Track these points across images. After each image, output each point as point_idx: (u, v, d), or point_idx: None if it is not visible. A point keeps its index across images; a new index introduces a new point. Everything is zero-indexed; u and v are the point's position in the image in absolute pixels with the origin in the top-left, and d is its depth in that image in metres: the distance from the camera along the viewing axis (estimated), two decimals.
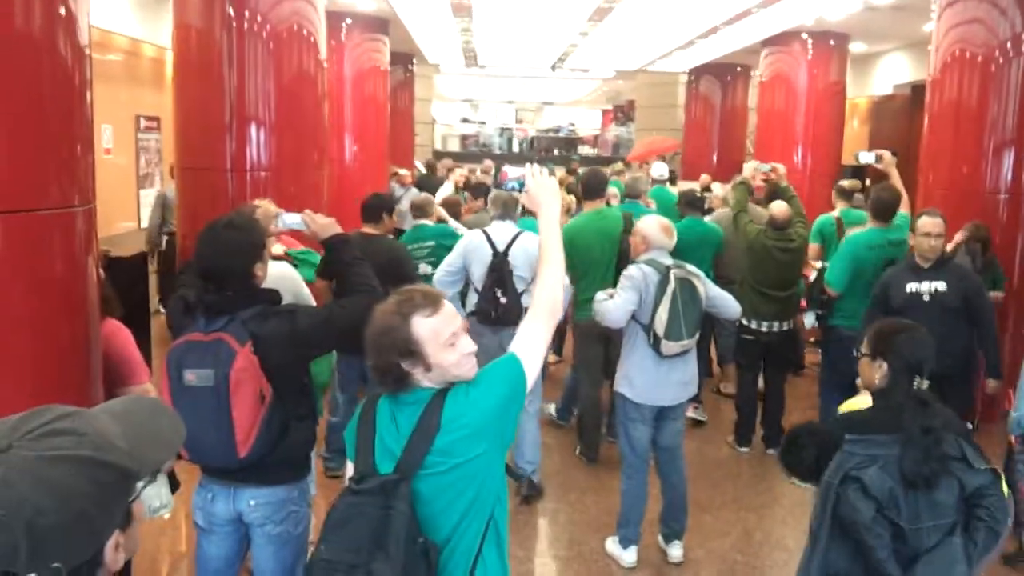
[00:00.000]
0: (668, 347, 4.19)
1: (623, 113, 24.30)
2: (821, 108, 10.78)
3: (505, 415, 2.15)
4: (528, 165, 2.41)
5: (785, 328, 5.93)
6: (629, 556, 4.47)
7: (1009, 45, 6.52)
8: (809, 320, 5.76)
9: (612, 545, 4.56)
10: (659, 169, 10.08)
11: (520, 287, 4.98)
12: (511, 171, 2.55)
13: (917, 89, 10.25)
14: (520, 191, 2.42)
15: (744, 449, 6.11)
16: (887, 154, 5.67)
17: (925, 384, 2.53)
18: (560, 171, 7.81)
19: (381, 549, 1.94)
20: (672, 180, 10.69)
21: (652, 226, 4.40)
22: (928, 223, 4.72)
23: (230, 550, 2.91)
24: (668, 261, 4.29)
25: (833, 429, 2.59)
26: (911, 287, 4.67)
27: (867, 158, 6.18)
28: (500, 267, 4.98)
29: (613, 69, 16.34)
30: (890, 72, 12.57)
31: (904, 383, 2.54)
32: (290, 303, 3.00)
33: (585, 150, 23.69)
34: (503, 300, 4.95)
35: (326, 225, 3.03)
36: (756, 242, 5.90)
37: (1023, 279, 6.56)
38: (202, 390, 2.61)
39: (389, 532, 1.95)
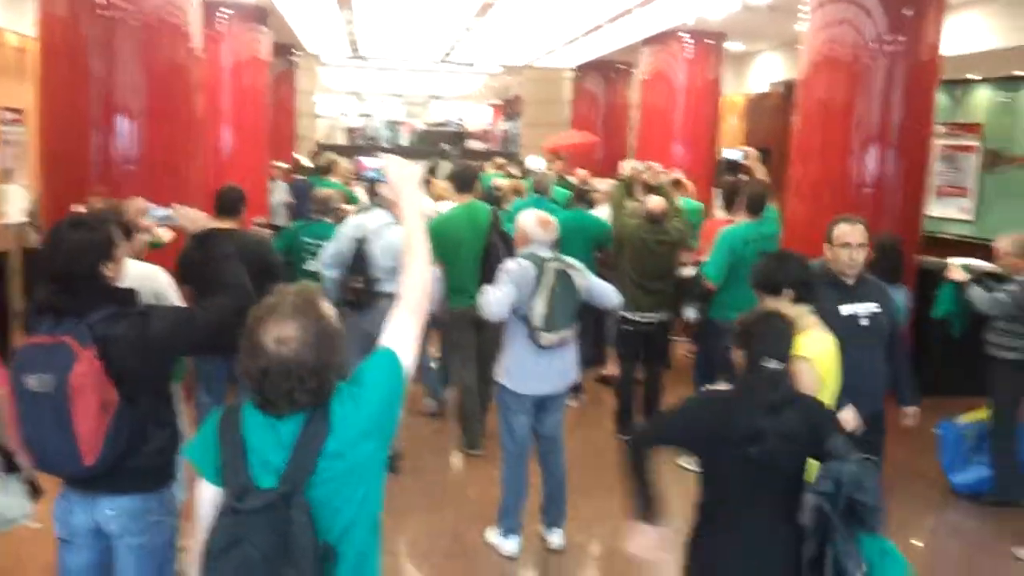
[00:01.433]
0: (546, 338, 4.25)
1: (511, 108, 24.44)
2: (699, 105, 11.11)
3: (391, 411, 2.13)
4: (386, 155, 2.39)
5: (663, 319, 6.09)
6: (510, 546, 4.50)
7: (874, 46, 6.84)
8: (690, 314, 5.94)
9: (493, 536, 4.59)
10: (535, 162, 10.21)
11: (380, 275, 5.17)
12: (368, 161, 2.52)
13: (791, 87, 10.66)
14: (380, 181, 2.39)
15: (625, 436, 6.22)
16: (752, 151, 5.88)
17: (780, 366, 2.65)
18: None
19: (290, 564, 1.89)
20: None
21: (529, 221, 4.45)
22: (848, 231, 3.90)
23: (92, 561, 2.76)
24: (546, 254, 4.34)
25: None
26: (846, 310, 3.89)
27: (734, 155, 6.41)
28: (359, 253, 5.22)
29: (500, 64, 16.40)
30: (766, 70, 13.05)
31: (758, 367, 2.66)
32: (146, 304, 2.84)
33: (474, 144, 23.71)
34: (359, 286, 5.21)
35: (196, 219, 2.93)
36: (634, 235, 6.06)
37: None
38: (43, 396, 2.48)
39: (295, 545, 1.90)
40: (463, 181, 6.05)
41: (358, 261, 5.26)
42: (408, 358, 2.17)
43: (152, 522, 2.74)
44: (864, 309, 3.90)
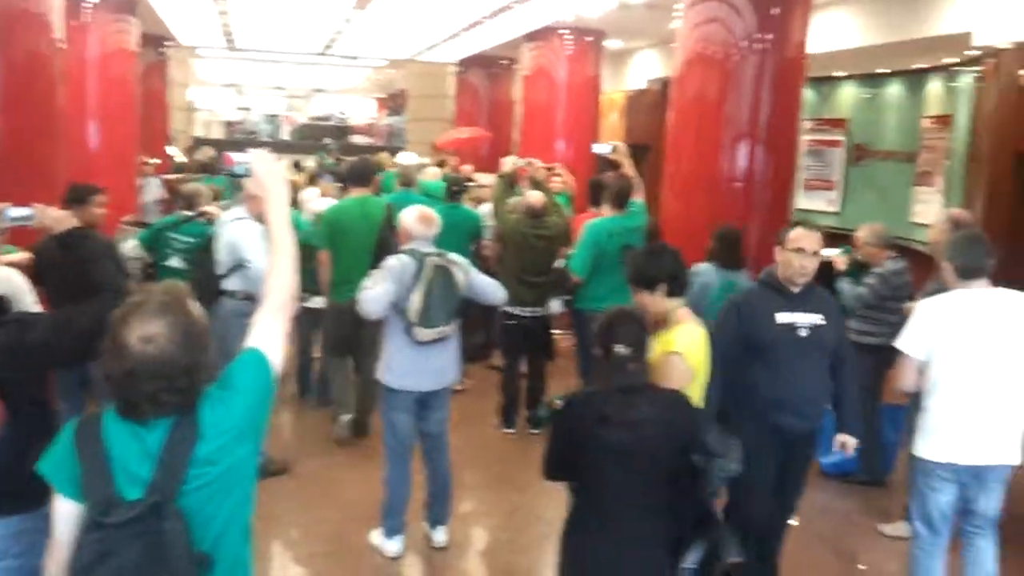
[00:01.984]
0: (422, 333, 4.21)
1: (395, 102, 24.24)
2: (580, 102, 11.25)
3: (261, 413, 2.09)
4: (254, 150, 2.32)
5: (545, 313, 6.14)
6: (393, 546, 4.46)
7: (744, 44, 7.06)
8: (556, 306, 6.01)
9: (377, 537, 4.53)
10: (406, 157, 10.20)
11: (219, 271, 5.10)
12: (235, 156, 2.44)
13: (667, 84, 10.91)
14: (246, 176, 2.32)
15: (510, 430, 6.28)
16: (620, 145, 6.01)
17: (627, 351, 2.73)
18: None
19: (167, 573, 1.82)
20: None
21: (410, 217, 4.41)
22: (803, 236, 3.67)
23: None
24: (427, 249, 4.31)
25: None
26: (784, 317, 3.68)
27: (602, 149, 6.51)
28: (203, 248, 5.21)
29: (383, 58, 16.23)
30: (644, 68, 13.32)
31: (610, 356, 2.74)
32: (18, 312, 2.69)
33: (358, 139, 23.39)
34: (195, 281, 5.10)
35: (60, 219, 2.78)
36: (514, 230, 6.09)
37: (757, 260, 7.15)
38: None
39: (170, 557, 1.83)
40: (360, 175, 6.06)
41: (201, 257, 5.20)
42: (276, 358, 2.12)
43: (32, 542, 2.55)
44: (805, 319, 3.67)
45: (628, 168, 6.00)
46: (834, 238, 8.65)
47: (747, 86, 7.12)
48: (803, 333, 3.64)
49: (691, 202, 7.19)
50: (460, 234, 6.64)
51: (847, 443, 3.83)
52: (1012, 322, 3.57)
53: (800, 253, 3.63)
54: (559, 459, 2.83)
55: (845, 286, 5.43)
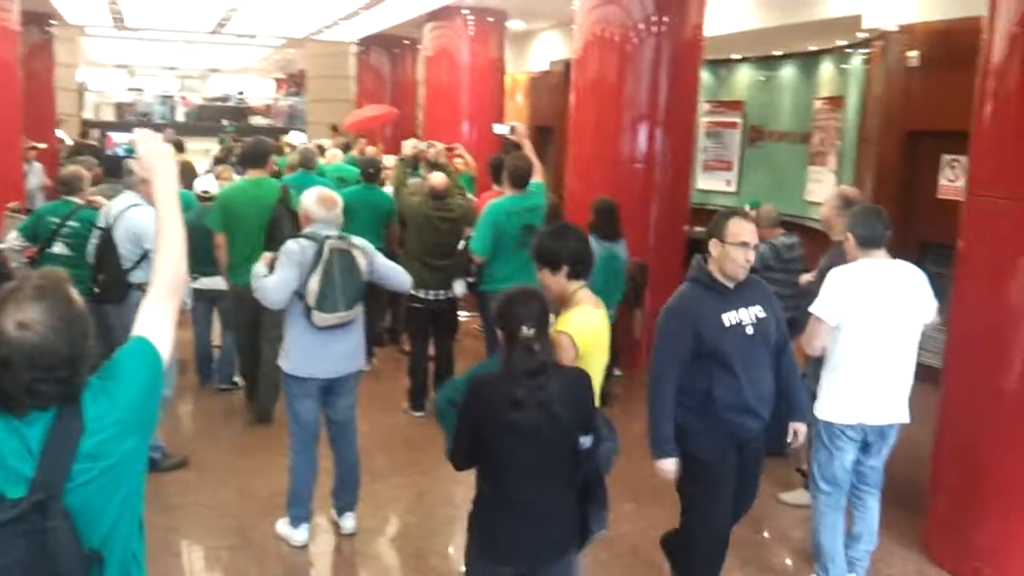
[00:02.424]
0: (321, 319, 4.13)
1: (295, 83, 23.71)
2: (483, 83, 11.22)
3: (149, 404, 2.00)
4: (138, 130, 2.22)
5: (450, 296, 6.11)
6: (300, 535, 4.39)
7: (642, 27, 7.14)
8: (459, 288, 5.99)
9: (282, 527, 4.45)
10: (297, 137, 10.06)
11: (125, 264, 4.97)
12: (116, 137, 2.33)
13: (569, 66, 10.98)
14: (131, 157, 2.22)
15: (418, 413, 6.25)
16: (519, 125, 6.04)
17: (532, 331, 2.72)
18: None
19: (55, 573, 1.74)
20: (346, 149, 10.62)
21: (310, 199, 4.31)
22: (746, 229, 3.47)
23: None
24: (328, 232, 4.22)
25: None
26: (730, 319, 3.46)
27: (501, 130, 6.52)
28: (104, 242, 5.00)
29: (281, 36, 15.84)
30: (546, 49, 13.36)
31: (515, 338, 2.73)
32: None
33: (257, 120, 22.81)
34: (100, 278, 4.98)
35: None
36: (417, 213, 6.04)
37: (658, 239, 7.29)
38: None
39: (58, 556, 1.74)
40: (255, 157, 6.04)
41: (103, 252, 5.00)
42: (165, 347, 2.03)
43: None
44: (748, 315, 3.48)
45: (528, 148, 6.01)
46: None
47: (645, 68, 7.23)
48: (750, 331, 3.47)
49: (593, 182, 7.28)
50: (375, 216, 6.66)
51: (799, 431, 3.69)
52: (907, 291, 3.84)
53: (743, 247, 3.42)
54: (468, 446, 2.81)
55: None
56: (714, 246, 3.47)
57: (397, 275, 4.49)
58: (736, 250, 3.42)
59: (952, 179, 7.23)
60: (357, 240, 4.32)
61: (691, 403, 3.47)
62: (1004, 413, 4.08)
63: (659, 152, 7.34)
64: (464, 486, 4.91)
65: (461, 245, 5.90)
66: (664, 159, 7.37)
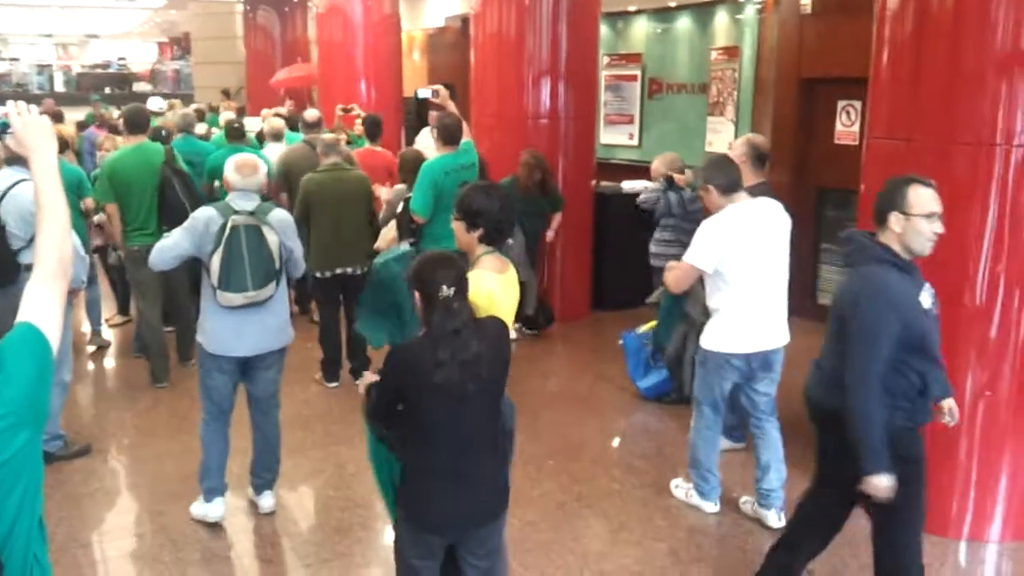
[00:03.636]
0: (226, 298, 3.94)
1: (180, 46, 22.73)
2: (378, 41, 10.92)
3: (40, 393, 1.84)
4: (12, 103, 2.03)
5: (362, 269, 5.93)
6: (215, 510, 4.25)
7: None
8: (403, 249, 5.88)
9: (197, 507, 4.30)
10: (156, 103, 9.86)
11: (14, 244, 4.75)
12: None
13: (467, 22, 10.78)
14: (6, 132, 2.03)
15: (333, 384, 6.12)
16: (442, 88, 5.93)
17: (452, 292, 2.65)
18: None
19: None
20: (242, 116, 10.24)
21: (228, 167, 4.10)
22: (932, 197, 3.08)
23: None
24: (243, 205, 4.00)
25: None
26: (924, 300, 3.12)
27: (425, 93, 6.42)
28: None
29: None
30: (442, 5, 13.10)
31: (434, 300, 2.65)
32: None
33: (141, 87, 21.82)
34: None
35: None
36: (320, 187, 5.87)
37: (567, 196, 7.27)
38: None
39: None
40: (134, 123, 6.15)
41: None
42: (54, 331, 1.86)
43: None
44: (928, 295, 3.14)
45: (452, 110, 5.91)
46: (635, 170, 8.96)
47: (545, 22, 7.18)
48: (935, 312, 3.14)
49: (499, 139, 7.22)
50: None
51: (953, 408, 3.31)
52: (775, 226, 4.14)
53: (932, 218, 3.03)
54: (390, 410, 2.73)
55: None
56: (895, 220, 3.04)
57: (297, 267, 4.29)
58: (924, 222, 3.01)
59: (848, 124, 7.40)
60: (275, 215, 4.10)
61: (904, 405, 3.07)
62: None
63: (563, 107, 7.31)
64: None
65: (400, 208, 5.76)
66: (568, 114, 7.35)
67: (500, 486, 2.89)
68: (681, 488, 4.60)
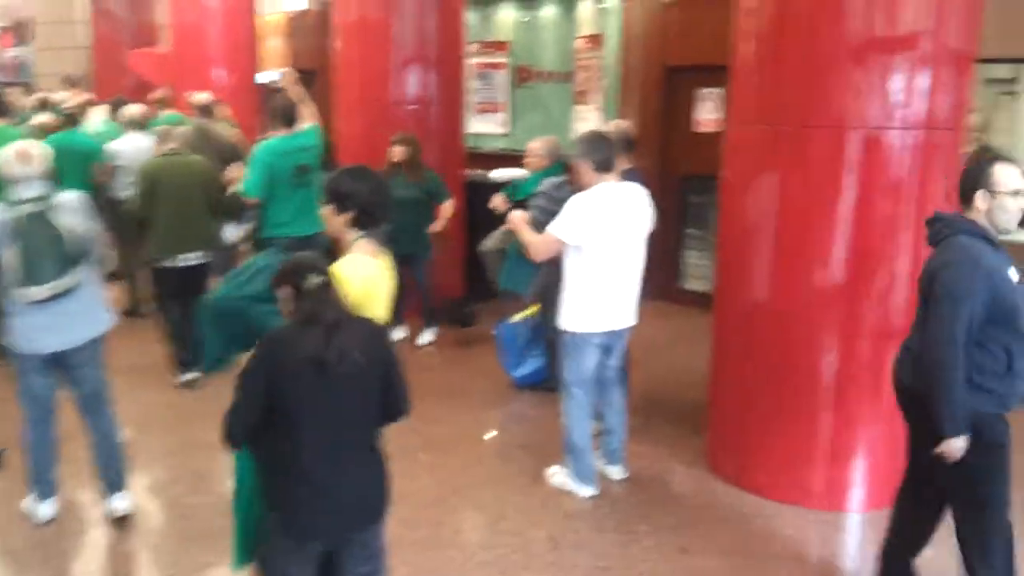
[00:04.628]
0: (29, 293, 3.68)
1: (20, 32, 21.25)
2: (234, 26, 10.49)
3: None
4: None
5: (204, 260, 5.72)
6: (46, 510, 4.04)
7: None
8: (232, 232, 5.66)
9: (28, 504, 4.08)
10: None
11: None
12: None
13: (328, 6, 10.48)
14: None
15: (189, 377, 5.84)
16: (289, 72, 5.76)
17: (321, 281, 2.56)
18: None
19: None
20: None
21: (4, 157, 3.76)
22: (1012, 174, 3.08)
23: None
24: (28, 193, 3.71)
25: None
26: (1013, 275, 3.11)
27: (269, 77, 6.23)
28: None
29: None
30: None
31: (303, 291, 2.55)
32: None
33: None
34: None
35: None
36: (149, 172, 5.61)
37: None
38: None
39: None
40: None
41: None
42: None
43: None
44: (1015, 272, 3.11)
45: (299, 95, 5.73)
46: (505, 159, 8.94)
47: (409, 7, 7.06)
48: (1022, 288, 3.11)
49: (365, 125, 7.08)
50: (76, 162, 6.49)
51: None
52: (636, 209, 4.26)
53: (1018, 196, 3.05)
54: (257, 403, 2.53)
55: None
56: (981, 198, 3.07)
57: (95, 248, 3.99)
58: (1010, 200, 3.04)
59: (709, 112, 7.58)
60: (62, 197, 3.82)
61: (992, 387, 3.05)
62: (762, 332, 4.35)
63: (431, 93, 7.21)
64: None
65: (231, 190, 5.54)
66: (436, 100, 7.25)
67: (381, 486, 2.76)
68: (558, 475, 4.59)
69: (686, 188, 8.00)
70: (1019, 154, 6.63)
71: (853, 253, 4.09)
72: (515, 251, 4.97)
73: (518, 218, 4.43)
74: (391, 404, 2.72)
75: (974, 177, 3.11)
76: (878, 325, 4.16)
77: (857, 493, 4.34)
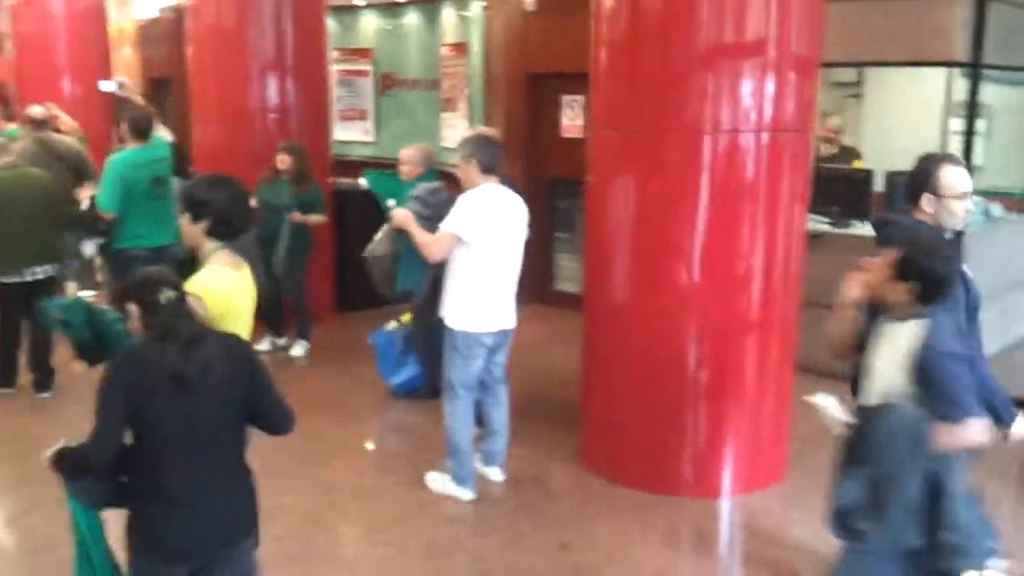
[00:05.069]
0: None
1: None
2: (84, 34, 10.04)
3: None
4: None
5: (49, 274, 5.57)
6: None
7: None
8: (89, 249, 5.49)
9: None
10: None
11: None
12: None
13: (183, 13, 10.15)
14: None
15: (8, 391, 5.69)
16: (128, 81, 5.61)
17: (174, 296, 2.49)
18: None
19: None
20: None
21: None
22: (962, 177, 3.14)
23: None
24: None
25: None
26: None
27: (108, 87, 6.05)
28: None
29: None
30: None
31: (154, 305, 2.46)
32: None
33: None
34: None
35: None
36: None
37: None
38: None
39: None
40: None
41: None
42: None
43: None
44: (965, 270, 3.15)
45: (140, 102, 5.65)
46: (373, 167, 8.85)
47: (267, 14, 6.96)
48: (969, 302, 3.11)
49: (222, 134, 6.93)
50: None
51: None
52: (515, 212, 4.34)
53: (963, 199, 3.11)
54: (117, 435, 2.44)
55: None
56: (927, 201, 3.11)
57: None
58: (956, 203, 3.08)
59: (572, 118, 7.74)
60: None
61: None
62: (628, 331, 4.49)
63: (292, 101, 7.10)
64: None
65: (86, 205, 5.37)
66: (298, 108, 7.14)
67: (248, 503, 2.68)
68: (437, 480, 4.58)
69: (554, 193, 8.14)
70: (864, 152, 7.10)
71: (709, 252, 4.26)
72: (407, 250, 4.92)
73: (404, 217, 4.47)
74: (267, 419, 2.65)
75: (921, 180, 3.15)
76: (735, 320, 4.35)
77: (725, 480, 4.51)
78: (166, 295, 2.44)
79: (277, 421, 2.67)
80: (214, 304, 2.76)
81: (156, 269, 2.59)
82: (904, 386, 2.73)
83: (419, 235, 4.40)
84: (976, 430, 2.67)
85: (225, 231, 2.90)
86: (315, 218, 6.50)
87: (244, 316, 2.97)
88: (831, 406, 2.94)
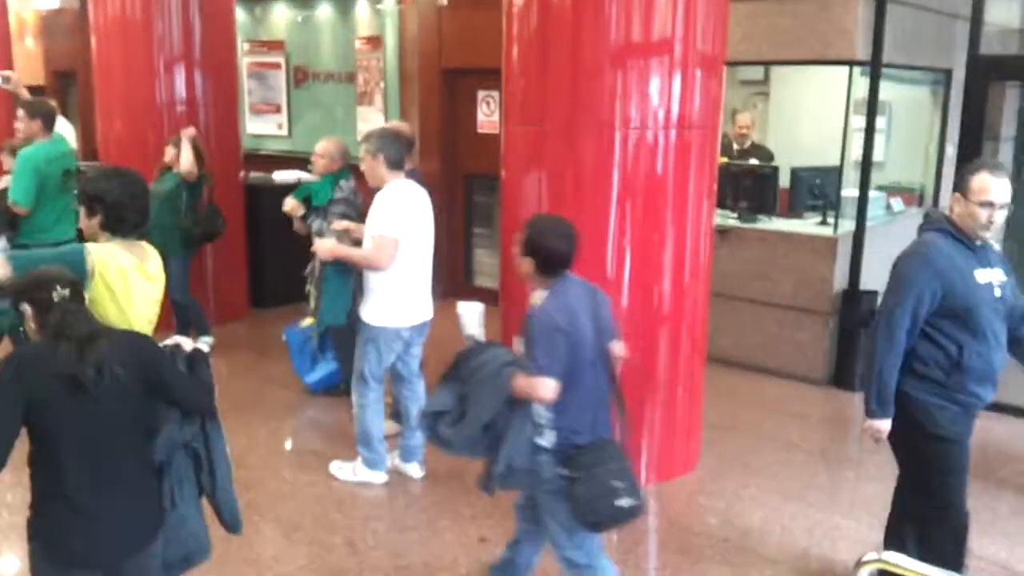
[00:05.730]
0: None
1: None
2: None
3: None
4: None
5: None
6: None
7: None
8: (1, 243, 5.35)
9: None
10: None
11: None
12: None
13: (86, 3, 9.82)
14: None
15: None
16: (13, 75, 5.48)
17: (67, 293, 2.41)
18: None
19: None
20: None
21: None
22: (995, 186, 3.09)
23: None
24: None
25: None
26: (981, 275, 3.17)
27: None
28: None
29: None
30: None
31: (46, 304, 2.39)
32: None
33: None
34: None
35: None
36: None
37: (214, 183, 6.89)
38: None
39: None
40: None
41: None
42: None
43: None
44: (994, 276, 3.18)
45: (25, 96, 5.56)
46: (286, 161, 8.76)
47: (173, 5, 6.83)
48: (998, 292, 3.16)
49: (129, 127, 6.79)
50: None
51: None
52: (426, 205, 4.40)
53: (988, 207, 3.06)
54: (9, 437, 2.35)
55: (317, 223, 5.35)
56: (956, 201, 3.15)
57: None
58: (979, 209, 3.06)
59: (488, 114, 7.77)
60: None
61: (935, 375, 3.16)
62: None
63: (201, 94, 6.97)
64: (20, 489, 4.30)
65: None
66: (207, 101, 7.02)
67: (153, 507, 2.62)
68: (345, 468, 4.62)
69: (471, 188, 8.16)
70: (772, 147, 7.31)
71: (620, 246, 4.35)
72: (331, 279, 4.98)
73: (330, 248, 4.45)
74: (185, 404, 2.65)
75: (959, 179, 3.21)
76: (647, 312, 4.45)
77: (641, 469, 4.61)
78: (59, 293, 2.38)
79: (195, 401, 2.69)
80: (104, 270, 2.72)
81: (50, 267, 2.51)
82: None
83: (357, 254, 4.38)
84: (544, 388, 2.93)
85: (117, 226, 2.84)
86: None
87: (149, 306, 2.93)
88: (470, 318, 3.20)
